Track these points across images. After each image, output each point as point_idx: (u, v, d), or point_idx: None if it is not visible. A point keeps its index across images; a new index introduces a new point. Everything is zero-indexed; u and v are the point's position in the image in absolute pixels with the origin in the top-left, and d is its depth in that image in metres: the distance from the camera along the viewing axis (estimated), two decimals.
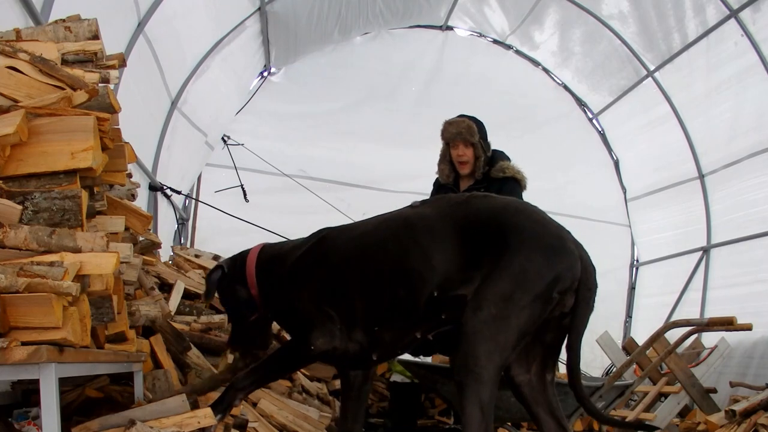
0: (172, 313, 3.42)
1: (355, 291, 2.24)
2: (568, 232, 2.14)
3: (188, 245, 6.42)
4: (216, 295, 2.64)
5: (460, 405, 1.94)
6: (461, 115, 3.86)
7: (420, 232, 2.18)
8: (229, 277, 2.54)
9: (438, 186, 4.00)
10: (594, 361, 7.43)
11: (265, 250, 2.57)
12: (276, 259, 2.49)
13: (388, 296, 2.18)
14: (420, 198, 2.52)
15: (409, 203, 2.46)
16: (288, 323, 2.52)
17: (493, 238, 2.05)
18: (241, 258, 2.58)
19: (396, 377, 4.51)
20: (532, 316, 1.98)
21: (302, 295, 2.32)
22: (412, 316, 2.15)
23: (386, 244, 2.24)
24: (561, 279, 2.00)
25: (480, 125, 3.81)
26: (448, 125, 3.84)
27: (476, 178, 3.80)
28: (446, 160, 3.91)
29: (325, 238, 2.42)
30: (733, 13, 6.06)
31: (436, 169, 3.99)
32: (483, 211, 2.16)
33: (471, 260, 2.06)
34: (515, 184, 3.74)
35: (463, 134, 3.75)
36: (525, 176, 3.78)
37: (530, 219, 2.10)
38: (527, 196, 3.69)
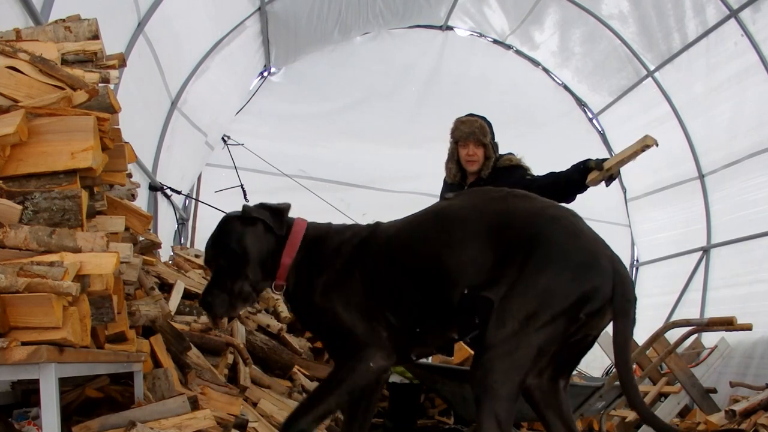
0: (172, 313, 3.41)
1: (397, 292, 2.13)
2: (605, 246, 2.01)
3: (188, 245, 6.42)
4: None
5: (477, 418, 1.89)
6: (471, 114, 3.79)
7: (453, 225, 2.08)
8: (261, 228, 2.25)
9: (446, 185, 3.98)
10: (594, 361, 7.42)
11: (310, 231, 2.29)
12: (319, 245, 2.24)
13: (425, 294, 2.09)
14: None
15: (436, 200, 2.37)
16: (328, 334, 2.25)
17: (523, 244, 1.95)
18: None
19: (395, 378, 4.48)
20: (555, 335, 1.90)
21: (345, 301, 2.13)
22: (447, 315, 2.07)
23: (421, 239, 2.14)
24: (589, 300, 1.91)
25: (490, 125, 3.76)
26: (461, 124, 3.74)
27: (482, 176, 3.74)
28: (454, 159, 3.83)
29: (368, 237, 2.24)
30: (733, 13, 6.06)
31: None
32: (518, 213, 2.05)
33: (500, 261, 1.97)
34: (524, 171, 3.71)
35: (476, 134, 3.68)
36: (530, 170, 3.76)
37: (565, 230, 1.98)
38: None
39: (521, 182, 3.48)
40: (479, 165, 3.75)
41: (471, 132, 3.69)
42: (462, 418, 3.79)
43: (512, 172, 3.67)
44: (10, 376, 2.04)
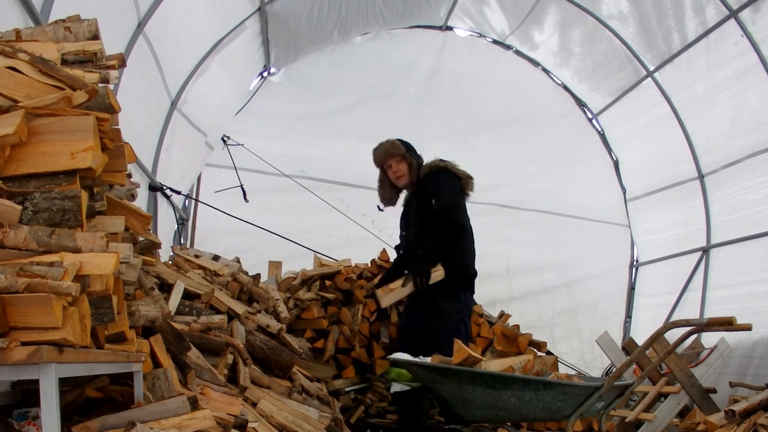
0: (172, 313, 3.41)
1: None
2: None
3: (188, 245, 6.42)
4: None
5: None
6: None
7: None
8: None
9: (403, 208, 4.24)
10: (594, 361, 7.43)
11: None
12: None
13: None
14: None
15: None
16: None
17: None
18: None
19: (395, 387, 4.31)
20: None
21: None
22: None
23: None
24: None
25: (402, 141, 4.12)
26: (375, 150, 4.11)
27: (413, 182, 4.05)
28: (385, 184, 4.15)
29: None
30: (733, 14, 6.07)
31: None
32: None
33: None
34: (440, 173, 3.93)
35: (390, 151, 4.03)
36: (455, 166, 3.98)
37: None
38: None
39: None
40: (407, 177, 4.04)
41: (385, 151, 4.06)
42: (458, 417, 3.76)
43: (430, 180, 3.96)
44: (10, 376, 2.04)
